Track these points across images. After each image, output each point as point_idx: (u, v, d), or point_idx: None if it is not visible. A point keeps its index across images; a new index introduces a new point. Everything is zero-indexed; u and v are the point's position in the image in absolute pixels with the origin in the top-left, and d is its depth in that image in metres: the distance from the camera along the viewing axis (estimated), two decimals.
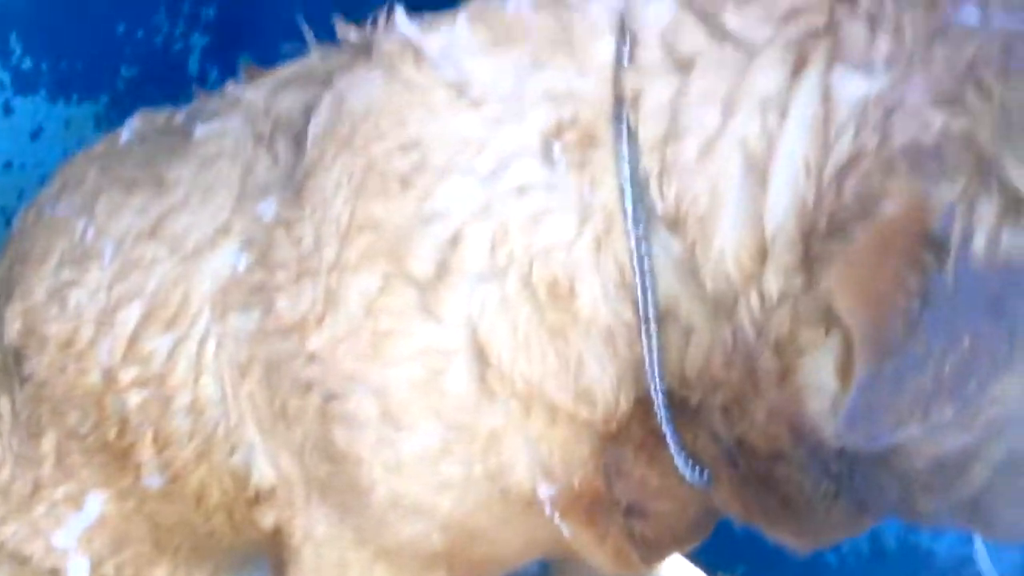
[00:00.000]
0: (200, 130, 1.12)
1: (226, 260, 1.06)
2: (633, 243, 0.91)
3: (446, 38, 0.99)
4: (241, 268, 1.04)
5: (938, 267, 0.79)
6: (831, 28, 0.86)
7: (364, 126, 0.98)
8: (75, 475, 1.17)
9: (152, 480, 1.13)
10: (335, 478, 1.04)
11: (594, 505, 1.01)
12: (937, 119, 0.82)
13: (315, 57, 1.11)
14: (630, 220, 0.90)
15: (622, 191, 0.91)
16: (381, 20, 1.05)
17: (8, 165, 1.69)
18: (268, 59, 1.78)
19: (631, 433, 0.98)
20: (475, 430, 0.97)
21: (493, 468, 0.98)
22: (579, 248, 0.92)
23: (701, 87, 0.89)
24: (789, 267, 0.86)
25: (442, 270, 0.94)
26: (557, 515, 1.01)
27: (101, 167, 1.20)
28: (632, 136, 0.90)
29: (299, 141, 1.04)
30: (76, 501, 1.18)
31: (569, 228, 0.92)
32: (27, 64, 1.66)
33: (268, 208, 1.04)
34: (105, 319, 1.11)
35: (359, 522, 1.05)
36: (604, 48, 0.93)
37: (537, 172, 0.93)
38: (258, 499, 1.09)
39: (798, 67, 0.86)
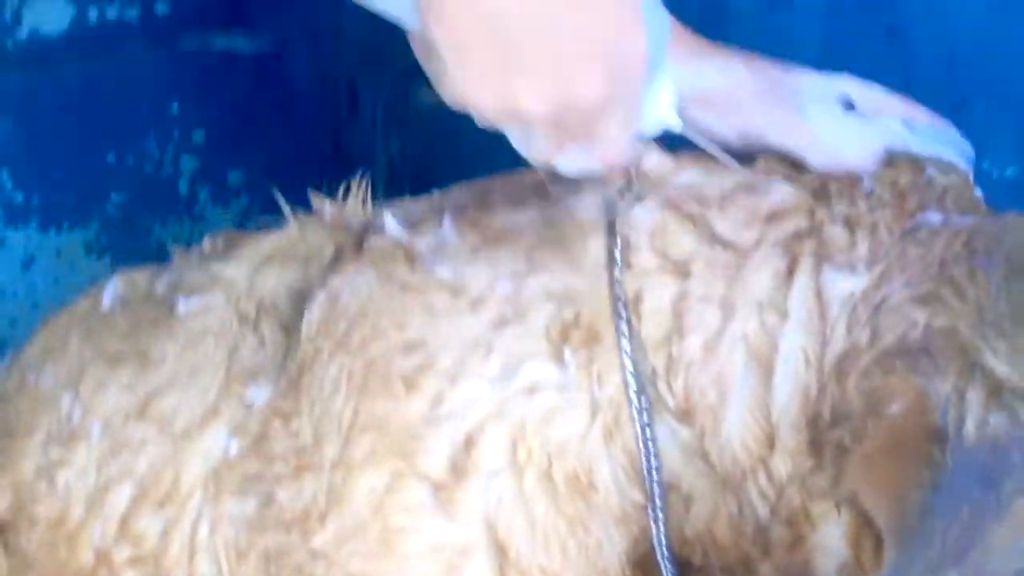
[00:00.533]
0: (183, 305, 1.11)
1: (216, 443, 1.04)
2: (639, 430, 0.94)
3: (435, 240, 1.00)
4: (232, 453, 1.03)
5: (941, 456, 0.83)
6: (814, 230, 0.93)
7: (361, 326, 0.99)
8: None
9: None
10: None
11: None
12: (921, 317, 0.88)
13: (293, 230, 1.10)
14: (635, 410, 0.94)
15: (626, 384, 0.94)
16: (353, 191, 1.07)
17: (0, 294, 1.68)
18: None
19: None
20: None
21: None
22: (592, 440, 0.95)
23: (699, 290, 0.93)
24: (796, 451, 0.91)
25: (457, 469, 0.95)
26: None
27: (84, 333, 1.18)
28: (634, 334, 0.94)
29: (287, 329, 1.04)
30: None
31: (582, 423, 0.95)
32: (18, 198, 1.67)
33: (258, 395, 1.03)
34: (96, 499, 1.09)
35: None
36: (595, 247, 0.96)
37: (548, 372, 0.95)
38: None
39: (790, 268, 0.92)
